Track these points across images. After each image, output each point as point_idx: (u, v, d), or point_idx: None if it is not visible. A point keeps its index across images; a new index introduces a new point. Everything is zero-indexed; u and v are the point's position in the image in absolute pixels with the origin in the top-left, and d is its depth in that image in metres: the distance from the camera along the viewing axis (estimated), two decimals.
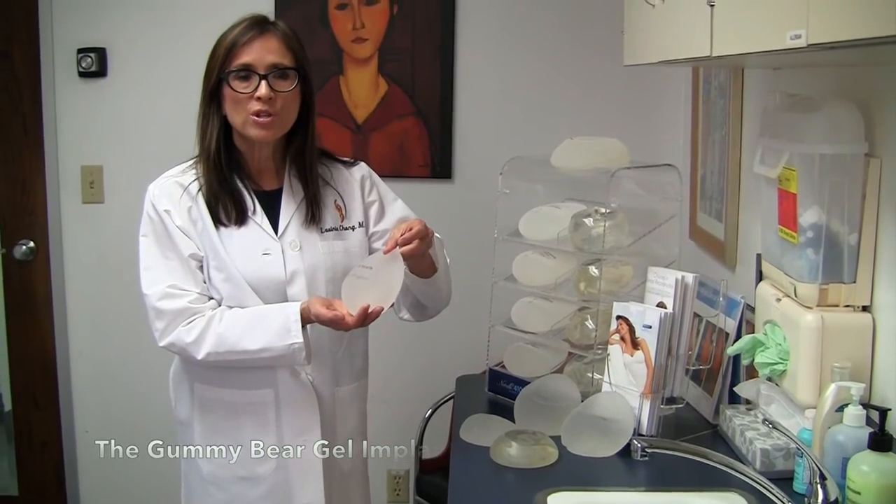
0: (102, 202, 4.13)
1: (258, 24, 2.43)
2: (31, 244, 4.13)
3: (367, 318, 2.34)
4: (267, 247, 2.48)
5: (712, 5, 1.85)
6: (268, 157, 2.53)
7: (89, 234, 4.16)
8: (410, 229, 2.37)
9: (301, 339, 2.37)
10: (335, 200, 2.60)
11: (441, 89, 4.00)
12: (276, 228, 2.51)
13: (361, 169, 2.69)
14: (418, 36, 3.97)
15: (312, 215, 2.53)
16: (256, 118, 2.40)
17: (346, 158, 2.71)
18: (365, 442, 2.77)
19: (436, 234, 2.54)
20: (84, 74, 4.03)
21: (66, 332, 4.22)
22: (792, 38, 1.38)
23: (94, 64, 4.00)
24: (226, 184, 2.48)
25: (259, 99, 2.38)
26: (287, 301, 2.47)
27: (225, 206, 2.47)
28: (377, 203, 2.67)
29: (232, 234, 2.47)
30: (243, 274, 2.45)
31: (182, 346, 2.43)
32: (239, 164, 2.52)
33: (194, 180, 2.50)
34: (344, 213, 2.60)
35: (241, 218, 2.48)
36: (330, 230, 2.56)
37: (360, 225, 2.62)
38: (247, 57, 2.39)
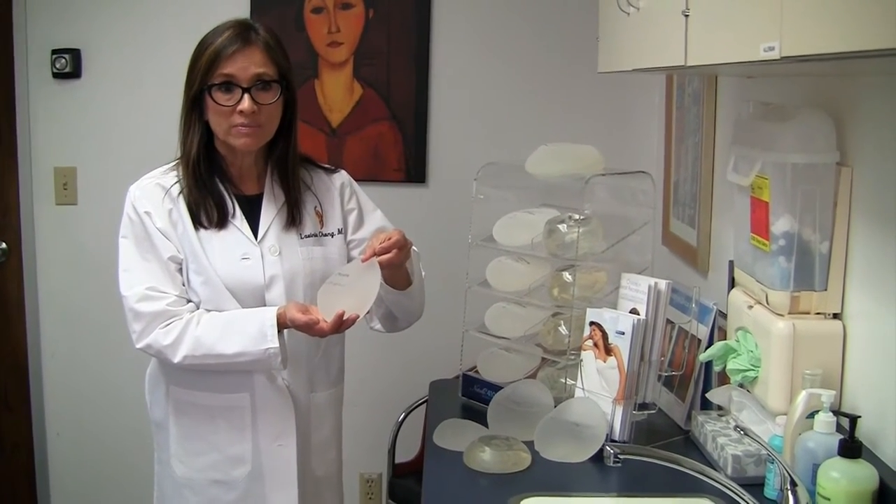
0: (76, 204, 4.12)
1: (242, 35, 2.41)
2: (4, 246, 4.10)
3: (342, 324, 2.35)
4: (246, 251, 2.49)
5: (687, 15, 1.86)
6: (250, 164, 2.54)
7: (62, 235, 4.14)
8: (389, 239, 2.38)
9: (277, 344, 2.38)
10: (315, 207, 2.60)
11: (416, 94, 4.00)
12: (255, 233, 2.51)
13: (342, 176, 2.70)
14: (393, 40, 3.98)
15: (293, 219, 2.54)
16: (240, 128, 2.40)
17: (326, 165, 2.72)
18: (340, 449, 2.78)
19: (413, 247, 2.55)
20: (58, 75, 4.02)
21: (38, 334, 4.20)
22: (765, 51, 1.39)
23: (69, 65, 3.98)
24: (206, 188, 2.48)
25: (242, 112, 2.38)
26: (265, 306, 2.47)
27: (206, 209, 2.47)
28: (356, 211, 2.68)
29: (212, 237, 2.48)
30: (222, 278, 2.45)
31: (159, 348, 2.43)
32: (220, 169, 2.52)
33: (176, 182, 2.50)
34: (323, 219, 2.60)
35: (221, 221, 2.48)
36: (309, 236, 2.56)
37: (339, 232, 2.63)
38: (230, 69, 2.38)
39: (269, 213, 2.53)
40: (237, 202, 2.52)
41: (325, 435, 2.70)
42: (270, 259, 2.50)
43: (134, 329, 2.45)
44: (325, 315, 2.37)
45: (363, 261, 2.40)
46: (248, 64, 2.39)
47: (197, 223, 2.47)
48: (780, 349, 2.06)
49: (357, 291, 2.38)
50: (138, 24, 4.01)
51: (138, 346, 2.45)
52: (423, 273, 2.69)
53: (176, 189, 2.49)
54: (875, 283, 1.93)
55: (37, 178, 4.10)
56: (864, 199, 1.97)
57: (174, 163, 2.54)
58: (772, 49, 1.37)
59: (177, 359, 2.41)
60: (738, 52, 1.59)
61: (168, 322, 2.42)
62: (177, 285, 2.47)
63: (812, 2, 1.27)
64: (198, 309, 2.47)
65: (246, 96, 2.38)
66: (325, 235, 2.60)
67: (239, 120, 2.39)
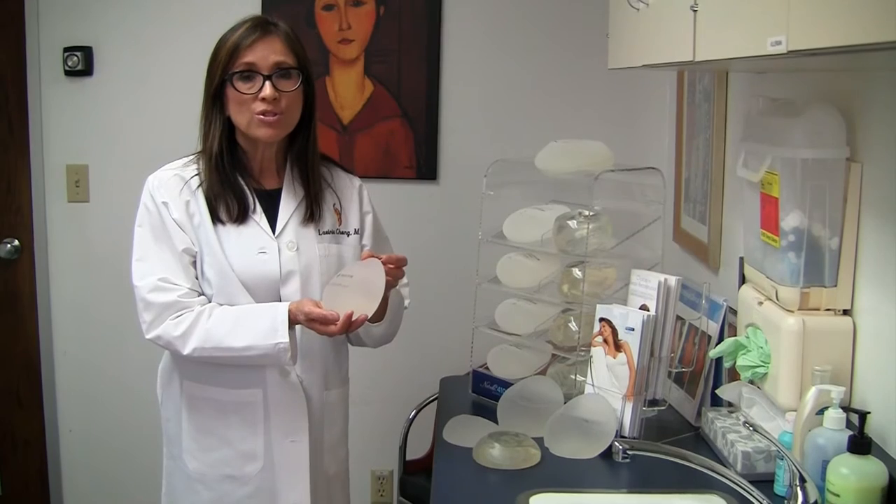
0: (88, 201, 4.12)
1: (261, 25, 2.44)
2: (17, 243, 4.11)
3: (351, 325, 2.35)
4: (263, 245, 2.49)
5: (695, 10, 1.86)
6: (270, 157, 2.55)
7: (75, 232, 4.15)
8: (398, 259, 2.42)
9: (286, 340, 2.37)
10: (334, 204, 2.62)
11: (427, 91, 4.00)
12: (273, 228, 2.52)
13: (358, 180, 2.73)
14: (404, 37, 3.98)
15: (311, 214, 2.54)
16: (262, 117, 2.41)
17: (345, 167, 2.74)
18: (347, 446, 2.79)
19: (404, 286, 2.59)
20: (70, 73, 4.02)
21: (50, 331, 4.21)
22: (772, 45, 1.39)
23: (81, 63, 3.99)
24: (227, 183, 2.48)
25: (264, 99, 2.39)
26: (280, 301, 2.48)
27: (227, 204, 2.48)
28: (371, 214, 2.70)
29: (229, 231, 2.48)
30: (237, 271, 2.45)
31: (169, 339, 2.43)
32: (241, 163, 2.53)
33: (195, 175, 2.51)
34: (342, 216, 2.61)
35: (241, 216, 2.49)
36: (327, 233, 2.57)
37: (356, 232, 2.64)
38: (250, 57, 2.40)
39: (288, 208, 2.54)
40: (256, 197, 2.53)
41: (337, 432, 2.71)
42: (288, 254, 2.50)
43: (144, 319, 2.45)
44: None
45: (363, 258, 2.43)
46: (268, 52, 2.41)
47: (216, 218, 2.48)
48: (789, 345, 2.05)
49: (363, 291, 2.37)
50: (150, 22, 4.02)
51: (148, 336, 2.45)
52: (408, 302, 2.71)
53: (195, 181, 2.50)
54: (885, 278, 1.93)
55: (49, 176, 4.11)
56: (874, 194, 1.96)
57: (194, 155, 2.55)
58: (779, 43, 1.37)
59: (186, 350, 2.42)
60: (745, 46, 1.58)
61: (179, 313, 2.42)
62: (189, 277, 2.47)
63: None
64: (210, 302, 2.48)
65: (267, 83, 2.40)
66: (343, 233, 2.60)
67: (261, 108, 2.40)
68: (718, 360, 2.45)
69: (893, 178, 1.88)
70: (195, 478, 2.59)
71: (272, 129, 2.44)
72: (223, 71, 2.42)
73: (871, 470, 1.77)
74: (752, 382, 2.27)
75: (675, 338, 2.50)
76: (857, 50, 1.19)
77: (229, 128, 2.50)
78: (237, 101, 2.43)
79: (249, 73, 2.41)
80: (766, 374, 2.17)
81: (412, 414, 3.75)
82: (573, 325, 2.71)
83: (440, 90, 4.01)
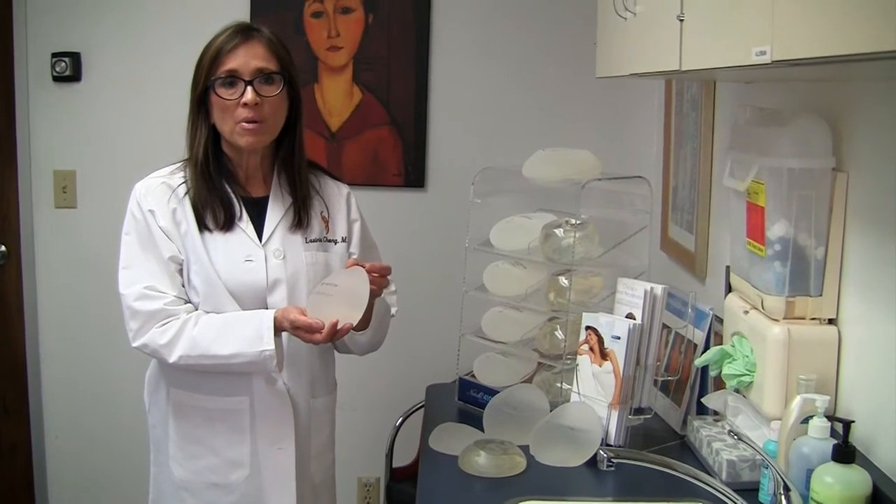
0: (75, 207, 4.12)
1: (242, 31, 2.44)
2: (3, 249, 4.09)
3: (336, 333, 2.34)
4: (250, 253, 2.49)
5: (682, 20, 1.86)
6: (256, 165, 2.54)
7: (62, 239, 4.14)
8: (382, 266, 2.41)
9: (272, 347, 2.37)
10: (321, 211, 2.61)
11: (415, 98, 4.01)
12: (260, 236, 2.51)
13: (346, 187, 2.72)
14: (393, 45, 3.98)
15: (299, 221, 2.54)
16: (244, 125, 2.41)
17: (333, 173, 2.74)
18: (334, 454, 2.78)
19: (391, 292, 2.60)
20: (58, 79, 4.02)
21: (37, 338, 4.19)
22: (757, 55, 1.40)
23: (69, 68, 3.99)
24: (214, 190, 2.48)
25: (245, 105, 2.39)
26: (267, 309, 2.47)
27: (213, 211, 2.47)
28: (359, 223, 2.69)
29: (216, 239, 2.48)
30: (224, 280, 2.45)
31: (155, 347, 2.42)
32: (227, 171, 2.53)
33: (182, 183, 2.50)
34: (329, 224, 2.61)
35: (227, 223, 2.48)
36: (314, 241, 2.57)
37: (343, 240, 2.63)
38: (232, 63, 2.40)
39: (275, 216, 2.54)
40: (243, 204, 2.53)
41: (324, 440, 2.71)
42: (274, 262, 2.50)
43: (130, 327, 2.45)
44: None
45: (347, 266, 2.42)
46: (249, 58, 2.41)
47: (202, 225, 2.47)
48: (775, 354, 2.06)
49: (347, 300, 2.37)
50: (138, 29, 4.01)
51: (134, 344, 2.45)
52: (395, 310, 2.71)
53: (182, 189, 2.49)
54: (870, 288, 1.93)
55: (36, 182, 4.11)
56: (860, 204, 1.97)
57: (181, 163, 2.55)
58: (763, 53, 1.37)
59: (172, 358, 2.41)
60: (730, 56, 1.59)
61: (165, 322, 2.42)
62: (175, 285, 2.47)
63: (802, 7, 1.27)
64: (196, 310, 2.47)
65: (249, 88, 2.40)
66: (330, 241, 2.60)
67: (243, 114, 2.40)
68: (704, 369, 2.45)
69: (879, 187, 1.88)
70: (181, 485, 2.58)
71: (254, 136, 2.44)
72: (206, 78, 2.43)
73: (855, 479, 1.77)
74: (737, 391, 2.27)
75: (661, 346, 2.50)
76: (841, 60, 1.19)
77: (215, 135, 2.49)
78: (220, 107, 2.43)
79: (231, 79, 2.41)
80: (751, 382, 2.17)
81: (399, 421, 3.74)
82: (559, 334, 2.71)
83: (429, 98, 4.02)
